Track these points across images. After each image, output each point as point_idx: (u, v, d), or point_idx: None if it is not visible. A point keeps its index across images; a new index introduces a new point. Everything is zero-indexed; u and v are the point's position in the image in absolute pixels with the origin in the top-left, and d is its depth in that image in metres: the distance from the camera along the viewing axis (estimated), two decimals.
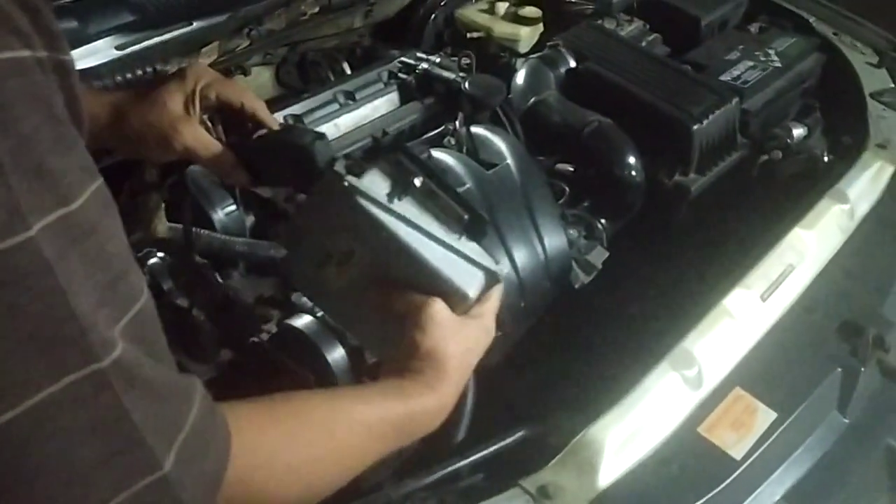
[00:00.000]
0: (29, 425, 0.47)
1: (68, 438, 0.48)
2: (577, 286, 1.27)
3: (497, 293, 0.85)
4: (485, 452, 0.90)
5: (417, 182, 0.81)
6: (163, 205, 1.02)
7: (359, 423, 0.71)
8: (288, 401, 0.70)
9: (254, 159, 0.96)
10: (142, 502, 0.51)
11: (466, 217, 0.82)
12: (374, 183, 0.81)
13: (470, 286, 0.82)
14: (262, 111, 1.00)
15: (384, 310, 0.82)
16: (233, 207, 1.14)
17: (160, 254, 0.99)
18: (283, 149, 0.94)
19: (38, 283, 0.46)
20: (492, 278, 0.83)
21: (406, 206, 0.81)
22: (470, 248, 0.83)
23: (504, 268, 0.86)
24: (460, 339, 0.80)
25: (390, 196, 0.81)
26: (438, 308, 0.80)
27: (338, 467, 0.70)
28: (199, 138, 0.95)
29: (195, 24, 1.36)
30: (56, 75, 0.52)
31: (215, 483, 0.56)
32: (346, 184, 0.80)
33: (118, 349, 0.49)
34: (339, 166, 0.82)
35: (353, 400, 0.74)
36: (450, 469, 0.87)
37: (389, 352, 0.83)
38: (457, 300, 0.81)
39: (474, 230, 0.83)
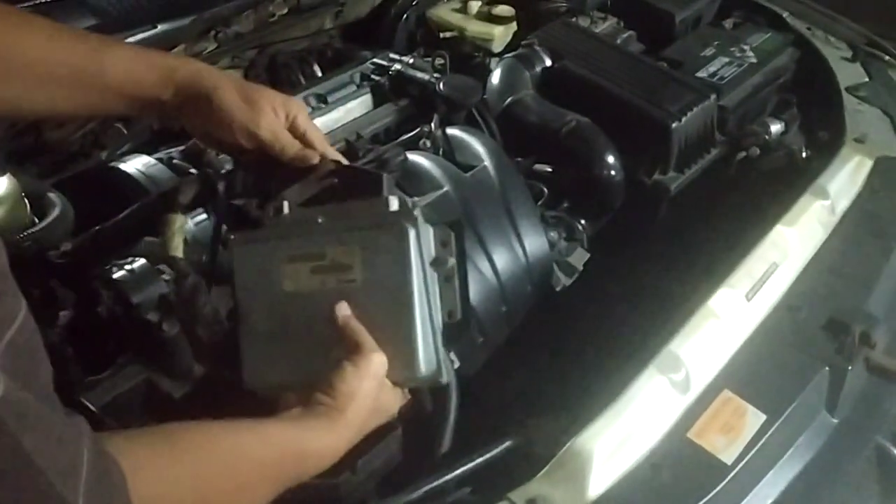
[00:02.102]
0: None
1: None
2: (557, 289, 1.25)
3: (403, 401, 0.88)
4: (471, 465, 0.87)
5: (449, 264, 0.86)
6: (185, 227, 1.00)
7: (255, 463, 0.71)
8: (186, 437, 0.68)
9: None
10: None
11: (459, 317, 0.87)
12: (424, 237, 0.85)
13: (425, 370, 0.83)
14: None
15: (337, 330, 0.81)
16: (203, 216, 1.11)
17: (128, 267, 0.95)
18: (355, 178, 0.96)
19: None
20: (434, 378, 0.86)
21: (430, 273, 0.86)
22: (440, 341, 0.86)
23: (449, 379, 0.90)
24: (376, 400, 0.81)
25: (431, 263, 0.85)
26: (381, 363, 0.81)
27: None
28: (281, 136, 0.95)
29: (160, 28, 1.32)
30: None
31: None
32: (413, 223, 0.84)
33: (2, 384, 0.45)
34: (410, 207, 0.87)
35: (252, 437, 0.73)
36: (435, 484, 0.85)
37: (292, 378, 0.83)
38: (405, 373, 0.83)
39: (454, 332, 0.87)
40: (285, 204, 0.92)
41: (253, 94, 0.96)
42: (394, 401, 0.85)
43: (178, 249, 0.97)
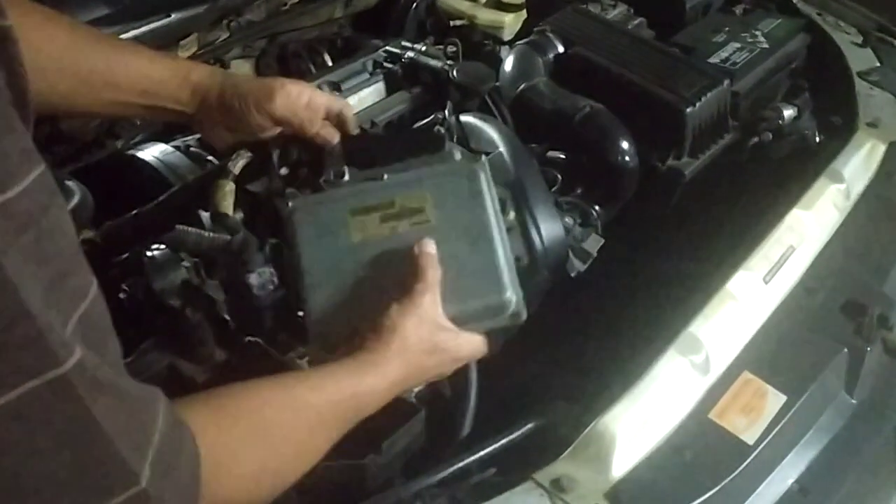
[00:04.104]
0: None
1: (31, 453, 0.44)
2: (573, 274, 1.25)
3: (483, 348, 0.88)
4: (495, 446, 0.87)
5: (511, 216, 0.93)
6: (233, 193, 1.03)
7: (311, 412, 0.72)
8: (242, 397, 0.69)
9: (365, 151, 1.01)
10: None
11: (526, 262, 0.91)
12: (491, 184, 0.89)
13: (511, 296, 0.85)
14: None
15: (411, 266, 0.82)
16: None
17: (149, 254, 0.95)
18: (415, 139, 1.02)
19: None
20: (518, 311, 0.86)
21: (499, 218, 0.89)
22: (517, 278, 0.88)
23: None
24: (427, 339, 0.81)
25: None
26: (429, 303, 0.81)
27: (295, 457, 0.70)
28: (300, 112, 1.00)
29: (173, 16, 1.32)
30: None
31: (193, 493, 0.54)
32: (482, 167, 0.88)
33: (78, 351, 0.45)
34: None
35: (304, 388, 0.74)
36: (460, 465, 0.85)
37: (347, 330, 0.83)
38: (490, 302, 0.84)
39: (525, 276, 0.89)
40: (346, 169, 0.94)
41: (264, 79, 1.04)
42: (458, 342, 0.84)
43: (228, 209, 1.00)
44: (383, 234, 0.86)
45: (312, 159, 1.04)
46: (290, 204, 0.92)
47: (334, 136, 1.02)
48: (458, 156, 0.93)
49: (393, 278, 0.83)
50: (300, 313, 0.89)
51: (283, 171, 1.05)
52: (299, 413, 0.71)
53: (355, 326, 0.82)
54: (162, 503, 0.50)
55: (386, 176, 0.91)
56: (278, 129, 1.03)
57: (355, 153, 1.01)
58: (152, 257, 0.96)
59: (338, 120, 1.05)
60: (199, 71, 1.01)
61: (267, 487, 0.67)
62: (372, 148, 1.03)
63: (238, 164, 1.06)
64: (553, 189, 1.28)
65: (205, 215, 1.09)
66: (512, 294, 0.85)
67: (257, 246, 0.94)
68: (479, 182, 0.88)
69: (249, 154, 1.07)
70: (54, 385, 0.44)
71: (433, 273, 0.83)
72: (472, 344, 0.86)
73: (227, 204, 1.02)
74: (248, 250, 0.93)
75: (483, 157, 0.90)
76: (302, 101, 1.01)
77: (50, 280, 0.46)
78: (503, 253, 0.86)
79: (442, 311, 0.83)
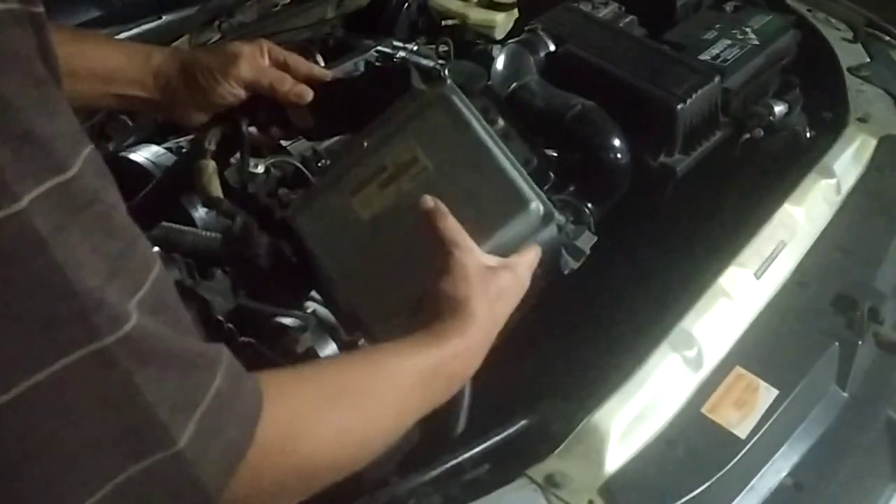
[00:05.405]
0: (29, 406, 0.45)
1: (72, 418, 0.46)
2: (566, 272, 1.26)
3: (534, 253, 0.86)
4: (488, 443, 0.88)
5: (500, 123, 0.88)
6: (216, 171, 1.03)
7: (394, 377, 0.70)
8: (320, 364, 0.70)
9: (331, 99, 1.00)
10: (151, 479, 0.49)
11: (535, 163, 0.87)
12: (466, 101, 0.86)
13: (532, 200, 0.83)
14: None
15: (426, 230, 0.80)
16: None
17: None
18: (378, 78, 1.02)
19: (31, 258, 0.44)
20: (549, 213, 0.84)
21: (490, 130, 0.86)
22: (533, 183, 0.85)
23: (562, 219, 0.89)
24: (487, 287, 0.79)
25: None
26: (459, 256, 0.79)
27: (381, 420, 0.68)
28: (267, 71, 1.00)
29: (164, 18, 1.33)
30: (32, 30, 0.48)
31: (238, 454, 0.54)
32: (449, 89, 0.85)
33: (129, 324, 0.47)
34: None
35: (385, 354, 0.72)
36: (453, 462, 0.85)
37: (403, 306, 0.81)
38: (517, 215, 0.82)
39: (538, 178, 0.86)
40: (323, 155, 0.97)
41: (224, 46, 1.04)
42: (513, 272, 0.82)
43: (218, 192, 0.98)
44: (390, 200, 0.84)
45: (280, 116, 1.04)
46: (289, 212, 0.91)
47: (308, 94, 1.01)
48: (423, 87, 0.90)
49: (421, 235, 0.81)
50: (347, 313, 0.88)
51: (253, 130, 1.05)
52: (381, 375, 0.69)
53: (411, 294, 0.80)
54: (199, 464, 0.51)
55: (365, 143, 0.88)
56: (247, 96, 1.03)
57: (321, 101, 1.00)
58: None
59: (304, 77, 1.04)
60: (159, 54, 1.01)
61: (353, 450, 0.66)
62: (337, 92, 1.01)
63: (213, 140, 1.05)
64: (546, 187, 1.29)
65: (198, 214, 1.09)
66: (536, 201, 0.83)
67: (257, 227, 0.94)
68: (456, 105, 0.85)
69: (220, 125, 1.06)
70: (97, 356, 0.46)
71: (448, 224, 0.80)
72: (524, 263, 0.84)
73: (216, 186, 1.01)
74: (250, 232, 0.93)
75: (449, 81, 0.88)
76: (266, 58, 1.01)
77: (119, 252, 0.48)
78: (510, 165, 0.83)
79: (481, 254, 0.81)
